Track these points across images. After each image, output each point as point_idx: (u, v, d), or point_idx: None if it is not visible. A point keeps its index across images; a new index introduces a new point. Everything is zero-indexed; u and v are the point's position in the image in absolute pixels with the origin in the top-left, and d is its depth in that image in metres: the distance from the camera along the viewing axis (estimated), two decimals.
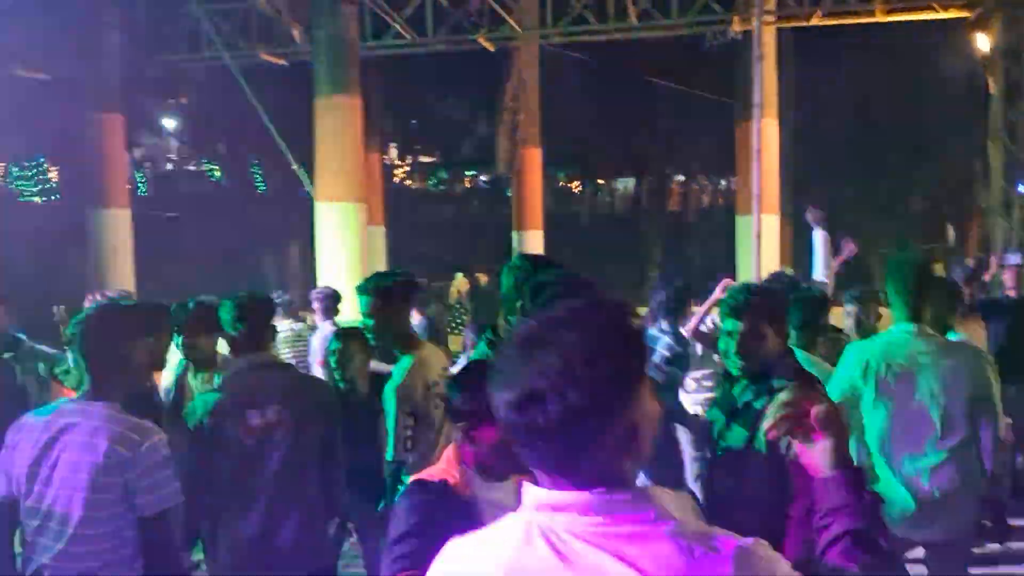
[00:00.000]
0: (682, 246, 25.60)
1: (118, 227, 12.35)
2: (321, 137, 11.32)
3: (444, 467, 2.29)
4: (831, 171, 19.74)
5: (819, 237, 9.21)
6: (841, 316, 5.24)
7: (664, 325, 5.32)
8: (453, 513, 2.11)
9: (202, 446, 3.34)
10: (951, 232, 22.63)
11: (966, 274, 8.04)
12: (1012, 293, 7.31)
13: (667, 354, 5.10)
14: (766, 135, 11.97)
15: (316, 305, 7.44)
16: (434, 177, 36.29)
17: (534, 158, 15.07)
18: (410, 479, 2.33)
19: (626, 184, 34.68)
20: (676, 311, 5.46)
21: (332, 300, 7.40)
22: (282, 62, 12.70)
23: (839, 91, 18.16)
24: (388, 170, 33.91)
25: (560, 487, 1.25)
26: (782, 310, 3.04)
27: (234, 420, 3.33)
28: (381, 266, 15.53)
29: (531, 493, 1.29)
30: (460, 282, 13.90)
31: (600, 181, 34.88)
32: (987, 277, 8.53)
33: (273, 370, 3.58)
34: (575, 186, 35.80)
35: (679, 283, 5.57)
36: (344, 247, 11.15)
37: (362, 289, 3.81)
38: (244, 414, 3.34)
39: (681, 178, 31.21)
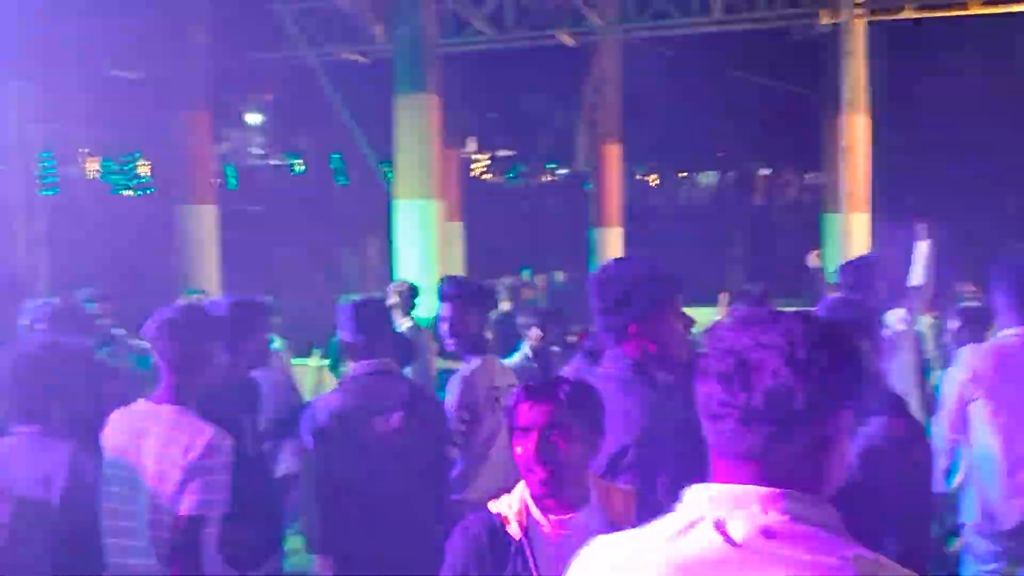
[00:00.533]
0: (766, 242, 25.03)
1: (204, 223, 12.63)
2: (400, 135, 11.39)
3: (509, 499, 2.22)
4: (924, 169, 19.03)
5: (922, 247, 8.86)
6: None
7: None
8: (498, 552, 2.11)
9: (326, 448, 3.38)
10: None
11: None
12: None
13: None
14: (855, 132, 11.59)
15: (394, 300, 7.23)
16: (512, 171, 36.25)
17: (613, 154, 14.90)
18: (471, 513, 2.30)
19: (708, 178, 34.09)
20: None
21: (410, 295, 7.28)
22: (363, 59, 12.79)
23: (933, 86, 17.48)
24: (467, 164, 34.03)
25: (741, 480, 1.22)
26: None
27: (359, 425, 3.38)
28: (458, 263, 15.58)
29: (703, 488, 1.25)
30: (538, 280, 13.81)
31: (681, 174, 34.35)
32: None
33: (392, 377, 3.62)
34: (653, 180, 35.33)
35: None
36: (421, 245, 11.20)
37: (444, 294, 3.99)
38: (369, 420, 3.39)
39: (766, 172, 30.51)
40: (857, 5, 11.36)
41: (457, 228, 15.69)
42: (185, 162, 12.63)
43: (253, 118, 29.50)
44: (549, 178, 33.69)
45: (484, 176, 35.62)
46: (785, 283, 18.50)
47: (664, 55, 15.28)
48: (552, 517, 2.16)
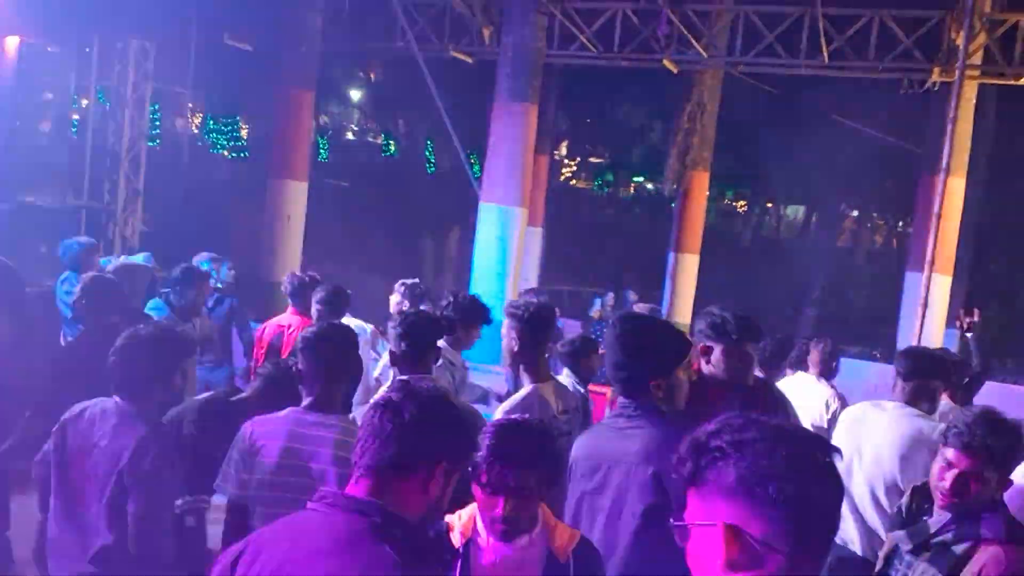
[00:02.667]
0: (844, 285, 24.59)
1: (295, 199, 13.03)
2: (495, 141, 11.60)
3: (461, 512, 2.48)
4: (1017, 233, 18.51)
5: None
6: None
7: None
8: (439, 554, 2.33)
9: None
10: None
11: None
12: None
13: None
14: (950, 195, 11.36)
15: (396, 298, 6.14)
16: (600, 179, 36.23)
17: (702, 182, 14.85)
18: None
19: (796, 211, 33.58)
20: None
21: (417, 294, 6.15)
22: (469, 60, 13.01)
23: None
24: (556, 165, 34.10)
25: None
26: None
27: None
28: (534, 269, 15.74)
29: None
30: (609, 299, 13.84)
31: (768, 204, 33.89)
32: None
33: None
34: (741, 206, 34.92)
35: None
36: (500, 249, 11.40)
37: (511, 313, 3.87)
38: None
39: (855, 213, 29.93)
40: (972, 67, 11.11)
41: (537, 233, 15.84)
42: (284, 138, 13.03)
43: (356, 93, 30.08)
44: (634, 191, 33.58)
45: (573, 182, 35.72)
46: (854, 331, 18.30)
47: (766, 91, 15.15)
48: (492, 540, 2.41)
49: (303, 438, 2.96)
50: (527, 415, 3.66)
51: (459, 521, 2.47)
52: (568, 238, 21.44)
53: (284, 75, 12.94)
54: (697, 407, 3.35)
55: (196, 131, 26.08)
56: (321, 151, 29.50)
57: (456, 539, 2.45)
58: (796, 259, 24.87)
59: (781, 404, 3.72)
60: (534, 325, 3.82)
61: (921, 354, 4.14)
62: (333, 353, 3.12)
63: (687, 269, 14.98)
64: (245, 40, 13.47)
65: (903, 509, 2.86)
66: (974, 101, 11.76)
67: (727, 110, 15.03)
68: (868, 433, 3.94)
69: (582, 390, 4.81)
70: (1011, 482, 2.72)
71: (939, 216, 10.74)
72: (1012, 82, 11.64)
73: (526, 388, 3.79)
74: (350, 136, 32.63)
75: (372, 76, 27.47)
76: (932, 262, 10.81)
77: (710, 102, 14.09)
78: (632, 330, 2.85)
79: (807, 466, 1.29)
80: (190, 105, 19.49)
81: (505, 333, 3.90)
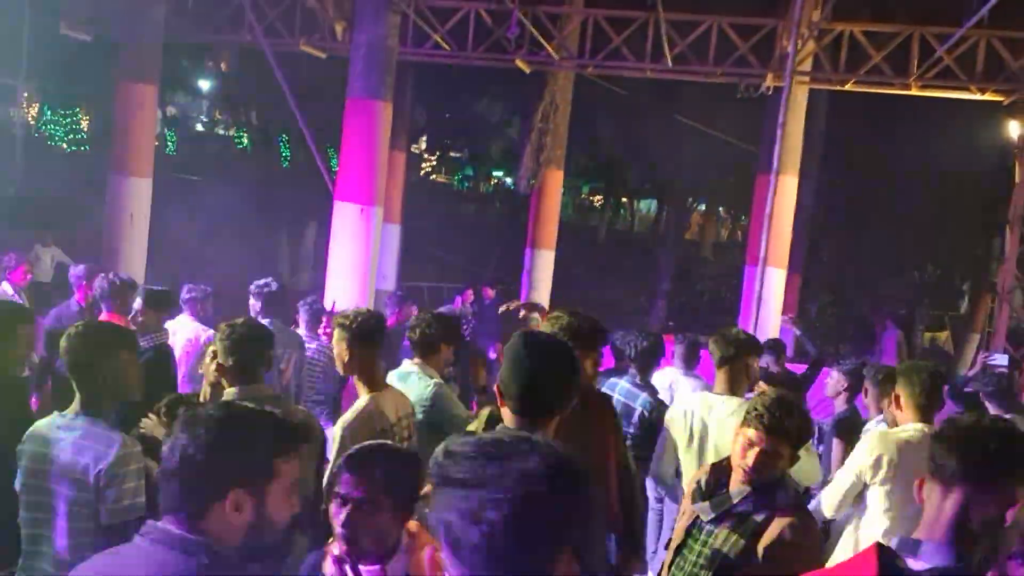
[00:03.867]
0: (693, 278, 25.67)
1: (138, 196, 12.51)
2: (348, 138, 11.50)
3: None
4: (850, 228, 19.79)
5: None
6: None
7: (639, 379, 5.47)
8: None
9: None
10: (964, 303, 22.66)
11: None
12: None
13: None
14: (782, 193, 12.06)
15: (253, 301, 6.37)
16: (461, 174, 36.38)
17: (556, 180, 15.18)
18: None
19: (649, 206, 34.76)
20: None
21: (270, 296, 6.33)
22: (321, 55, 12.83)
23: (867, 151, 18.19)
24: (415, 160, 33.98)
25: None
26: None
27: None
28: (392, 266, 15.71)
29: None
30: (467, 296, 14.00)
31: (623, 199, 34.93)
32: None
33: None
34: (597, 200, 35.85)
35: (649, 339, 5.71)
36: (356, 248, 11.32)
37: (341, 325, 3.85)
38: None
39: (702, 207, 31.25)
40: (801, 73, 11.83)
41: (395, 230, 15.81)
42: (125, 133, 12.49)
43: (205, 83, 29.06)
44: (494, 187, 33.92)
45: (433, 177, 35.77)
46: (703, 322, 19.20)
47: (617, 92, 15.66)
48: (357, 568, 2.44)
49: (49, 442, 2.94)
50: (360, 431, 3.56)
51: (332, 552, 2.48)
52: (427, 234, 21.46)
53: (124, 67, 12.38)
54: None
55: (32, 122, 24.62)
56: (169, 144, 28.36)
57: (327, 570, 2.45)
58: (649, 251, 25.77)
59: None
60: (362, 335, 3.81)
61: (726, 340, 4.38)
62: (79, 353, 3.04)
63: (543, 264, 15.29)
64: (82, 30, 12.83)
65: (702, 484, 3.09)
66: (805, 105, 12.54)
67: (580, 109, 15.40)
68: (708, 422, 4.25)
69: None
70: (799, 457, 3.04)
71: (771, 212, 11.39)
72: (838, 87, 12.47)
73: (363, 399, 3.77)
74: (200, 128, 31.53)
75: (223, 67, 26.61)
76: (766, 256, 11.45)
77: (563, 101, 14.42)
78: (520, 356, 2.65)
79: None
80: (25, 95, 18.42)
81: (335, 344, 3.90)
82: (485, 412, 3.09)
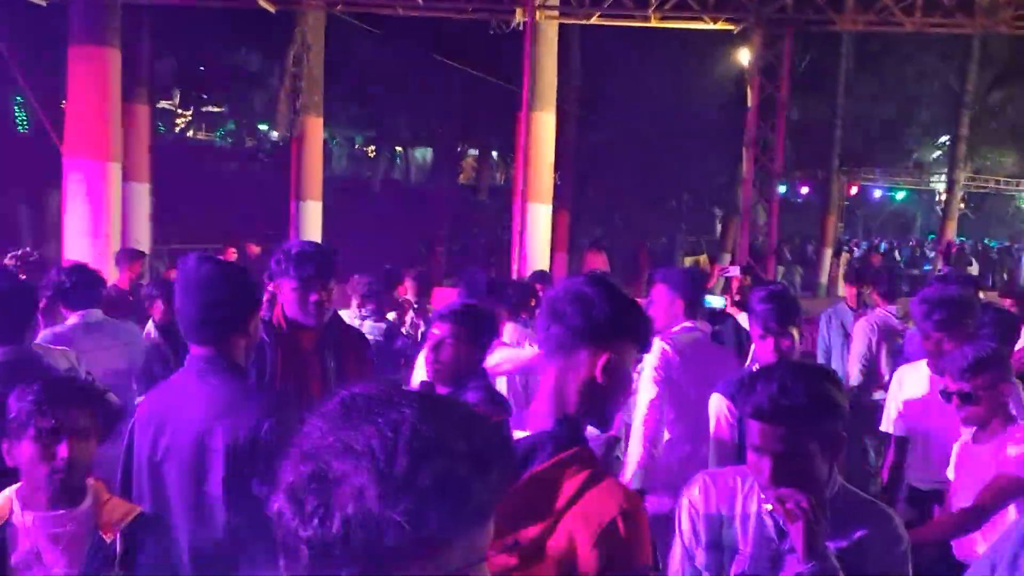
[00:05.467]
0: (470, 222, 25.87)
1: None
2: (73, 89, 10.53)
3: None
4: (610, 164, 20.55)
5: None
6: None
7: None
8: None
9: None
10: (718, 227, 24.28)
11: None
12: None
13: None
14: (540, 129, 12.25)
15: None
16: (223, 129, 34.57)
17: (316, 128, 14.64)
18: None
19: (424, 154, 34.58)
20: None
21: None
22: (41, 2, 11.60)
23: (621, 86, 18.86)
24: (167, 116, 31.97)
25: None
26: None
27: None
28: (144, 229, 14.67)
29: None
30: (229, 254, 13.29)
31: (398, 148, 34.57)
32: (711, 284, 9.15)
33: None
34: (371, 151, 35.27)
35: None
36: (92, 209, 10.44)
37: None
38: None
39: (475, 152, 31.46)
40: (548, 7, 11.97)
41: (143, 190, 14.74)
42: None
43: None
44: (258, 140, 32.50)
45: (190, 133, 33.74)
46: (481, 263, 19.47)
47: (373, 34, 15.26)
48: (30, 522, 2.29)
49: None
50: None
51: None
52: (185, 193, 20.23)
53: None
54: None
55: None
56: None
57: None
58: (426, 200, 25.69)
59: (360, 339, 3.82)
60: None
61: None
62: None
63: (311, 216, 14.79)
64: None
65: None
66: (555, 40, 12.73)
67: (342, 55, 14.91)
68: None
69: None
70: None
71: (527, 149, 11.55)
72: (584, 21, 12.75)
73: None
74: None
75: None
76: (525, 192, 11.63)
77: (315, 43, 13.86)
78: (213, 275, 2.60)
79: None
80: None
81: None
82: None
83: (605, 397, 1.74)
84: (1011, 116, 24.95)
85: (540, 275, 9.75)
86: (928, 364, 3.82)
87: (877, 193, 32.62)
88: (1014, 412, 3.22)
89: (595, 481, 1.57)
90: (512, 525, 1.52)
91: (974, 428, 3.24)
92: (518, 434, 1.68)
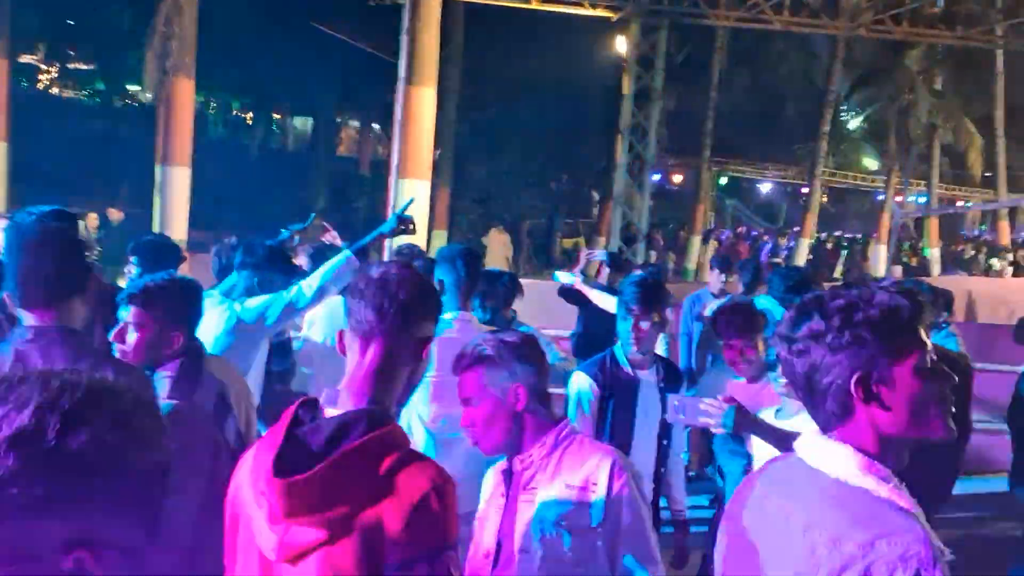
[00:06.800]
0: (349, 194, 25.53)
1: None
2: None
3: None
4: (492, 144, 20.64)
5: None
6: None
7: None
8: None
9: None
10: (595, 211, 24.76)
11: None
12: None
13: None
14: (419, 104, 12.17)
15: None
16: (91, 87, 32.91)
17: (186, 90, 14.11)
18: None
19: (304, 123, 33.85)
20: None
21: None
22: None
23: (505, 67, 18.95)
24: (30, 72, 30.30)
25: None
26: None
27: None
28: None
29: None
30: (90, 219, 12.76)
31: (276, 116, 33.71)
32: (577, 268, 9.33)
33: None
34: (249, 118, 34.27)
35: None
36: None
37: None
38: None
39: (356, 124, 31.02)
40: None
41: None
42: None
43: None
44: (127, 101, 31.06)
45: (54, 90, 32.02)
46: (360, 237, 19.16)
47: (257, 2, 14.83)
48: None
49: None
50: None
51: None
52: (46, 152, 19.24)
53: None
54: None
55: None
56: None
57: None
58: (304, 170, 25.22)
59: None
60: None
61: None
62: None
63: (178, 182, 14.25)
64: None
65: None
66: (438, 16, 12.64)
67: (217, 18, 14.41)
68: None
69: None
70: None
71: (404, 123, 11.48)
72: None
73: None
74: None
75: None
76: (402, 167, 11.57)
77: (187, 3, 13.36)
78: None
79: None
80: None
81: None
82: None
83: (411, 380, 1.81)
84: (871, 116, 26.37)
85: (409, 250, 9.74)
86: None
87: (745, 184, 33.94)
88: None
89: (408, 459, 1.63)
90: (323, 501, 1.56)
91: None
92: (330, 411, 1.70)
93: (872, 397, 1.51)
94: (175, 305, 2.84)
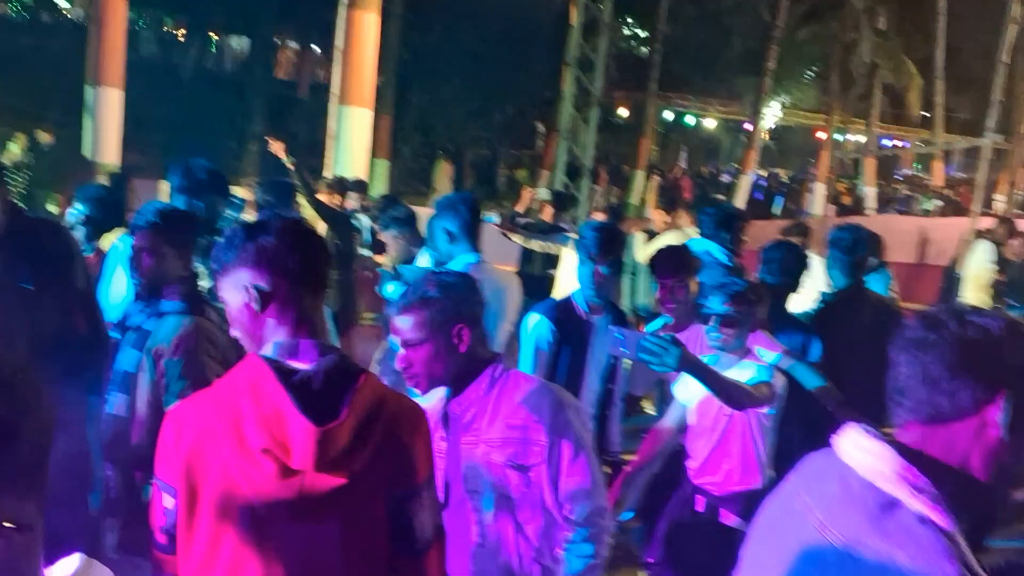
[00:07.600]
0: (287, 119, 24.87)
1: None
2: None
3: None
4: (435, 70, 20.25)
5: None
6: None
7: None
8: None
9: None
10: (539, 142, 24.56)
11: None
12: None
13: None
14: (362, 29, 11.86)
15: None
16: (17, 1, 31.31)
17: (118, 5, 13.53)
18: None
19: (240, 42, 32.73)
20: None
21: None
22: None
23: None
24: None
25: None
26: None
27: None
28: None
29: None
30: (19, 140, 12.22)
31: (211, 35, 32.51)
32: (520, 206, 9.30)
33: None
34: (182, 35, 33.01)
35: None
36: None
37: None
38: None
39: (295, 46, 30.12)
40: None
41: None
42: None
43: None
44: (54, 17, 29.65)
45: None
46: (301, 164, 18.78)
47: None
48: None
49: None
50: None
51: None
52: None
53: None
54: None
55: None
56: None
57: None
58: (240, 93, 24.45)
59: None
60: None
61: None
62: None
63: (109, 103, 13.71)
64: None
65: None
66: None
67: None
68: None
69: None
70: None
71: (345, 48, 11.20)
72: None
73: None
74: None
75: None
76: (343, 94, 11.32)
77: None
78: None
79: None
80: None
81: None
82: None
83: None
84: (816, 54, 26.45)
85: (356, 184, 9.61)
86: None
87: (690, 119, 33.91)
88: None
89: (397, 399, 1.87)
90: (350, 445, 1.71)
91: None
92: (298, 365, 1.76)
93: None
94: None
